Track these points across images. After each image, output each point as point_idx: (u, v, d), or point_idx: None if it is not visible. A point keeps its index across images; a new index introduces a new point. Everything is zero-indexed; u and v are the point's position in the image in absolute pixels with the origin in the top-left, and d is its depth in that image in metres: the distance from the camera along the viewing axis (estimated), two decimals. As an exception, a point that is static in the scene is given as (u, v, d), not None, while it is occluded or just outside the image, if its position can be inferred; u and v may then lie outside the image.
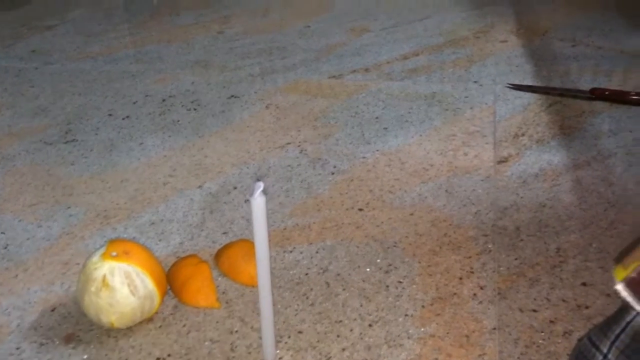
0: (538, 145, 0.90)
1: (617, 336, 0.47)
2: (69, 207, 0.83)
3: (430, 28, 1.36)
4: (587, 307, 0.62)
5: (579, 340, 0.51)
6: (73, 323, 0.64)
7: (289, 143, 0.95)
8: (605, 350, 0.47)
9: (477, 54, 1.22)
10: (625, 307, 0.48)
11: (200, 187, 0.86)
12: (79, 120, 1.07)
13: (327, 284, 0.67)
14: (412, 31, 1.36)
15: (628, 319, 0.47)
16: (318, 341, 0.60)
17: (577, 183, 0.80)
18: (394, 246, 0.71)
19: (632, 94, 1.01)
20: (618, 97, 1.01)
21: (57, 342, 0.62)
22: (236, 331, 0.62)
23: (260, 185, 0.49)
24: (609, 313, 0.50)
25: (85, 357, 0.60)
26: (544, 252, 0.70)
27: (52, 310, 0.66)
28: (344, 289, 0.66)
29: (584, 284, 0.65)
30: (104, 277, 0.59)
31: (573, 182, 0.81)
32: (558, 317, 0.61)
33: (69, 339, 0.62)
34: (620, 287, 0.42)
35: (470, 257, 0.69)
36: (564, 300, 0.63)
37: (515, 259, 0.69)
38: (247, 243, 0.71)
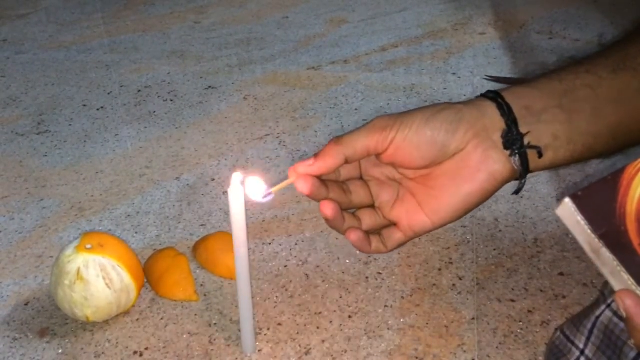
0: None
1: (591, 331, 0.47)
2: (42, 200, 0.81)
3: (409, 20, 1.36)
4: (564, 297, 0.63)
5: (556, 330, 0.51)
6: (47, 317, 0.62)
7: (267, 134, 0.94)
8: (581, 346, 0.48)
9: (455, 46, 1.23)
10: (595, 302, 0.48)
11: (177, 178, 0.85)
12: (52, 110, 1.04)
13: (307, 275, 0.67)
14: (391, 23, 1.36)
15: (597, 313, 0.47)
16: (298, 333, 0.60)
17: (554, 174, 0.81)
18: (374, 237, 0.71)
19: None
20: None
21: (31, 337, 0.60)
22: (215, 324, 0.61)
23: (239, 177, 0.49)
24: (586, 303, 0.51)
25: (60, 351, 0.59)
26: (522, 243, 0.70)
27: (26, 305, 0.64)
28: (323, 281, 0.66)
29: (561, 274, 0.66)
30: (78, 270, 0.58)
31: (550, 173, 0.81)
32: (536, 307, 0.61)
33: (43, 334, 0.61)
34: (566, 200, 0.39)
35: (449, 248, 0.70)
36: (541, 290, 0.64)
37: (494, 249, 0.69)
38: (226, 235, 0.70)
